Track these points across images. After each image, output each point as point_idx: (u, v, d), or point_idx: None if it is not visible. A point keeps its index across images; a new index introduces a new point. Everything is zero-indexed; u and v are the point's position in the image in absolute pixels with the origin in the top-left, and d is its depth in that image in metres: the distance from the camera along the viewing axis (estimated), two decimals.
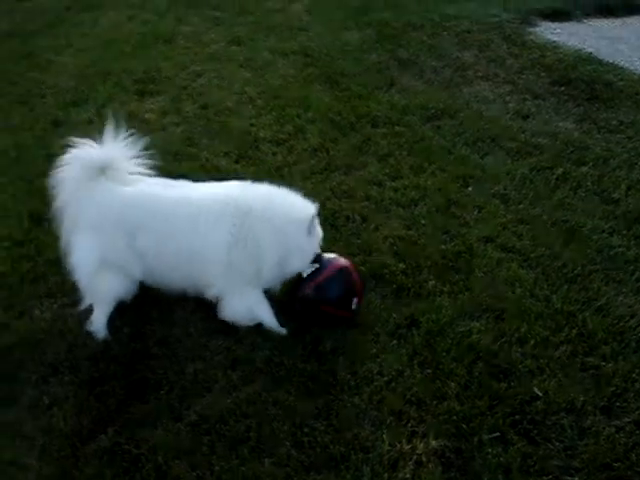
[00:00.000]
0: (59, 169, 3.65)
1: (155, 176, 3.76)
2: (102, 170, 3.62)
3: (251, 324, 3.81)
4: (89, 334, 3.80)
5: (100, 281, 3.70)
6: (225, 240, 3.58)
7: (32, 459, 3.17)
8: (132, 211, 3.62)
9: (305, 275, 3.80)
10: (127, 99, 6.88)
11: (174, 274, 3.71)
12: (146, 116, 6.43)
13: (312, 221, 3.70)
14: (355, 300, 3.80)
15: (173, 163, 5.25)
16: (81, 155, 3.62)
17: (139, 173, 3.71)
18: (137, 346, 3.76)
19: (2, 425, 3.34)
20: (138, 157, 3.70)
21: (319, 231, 3.87)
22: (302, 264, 3.78)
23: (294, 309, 3.90)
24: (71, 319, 3.94)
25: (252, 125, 6.27)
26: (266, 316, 3.82)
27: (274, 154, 5.74)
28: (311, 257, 3.79)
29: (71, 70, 7.78)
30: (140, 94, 6.97)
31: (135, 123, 6.16)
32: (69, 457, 3.17)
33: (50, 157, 5.62)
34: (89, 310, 3.83)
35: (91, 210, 3.62)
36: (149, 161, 3.72)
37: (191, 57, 7.98)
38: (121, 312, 3.86)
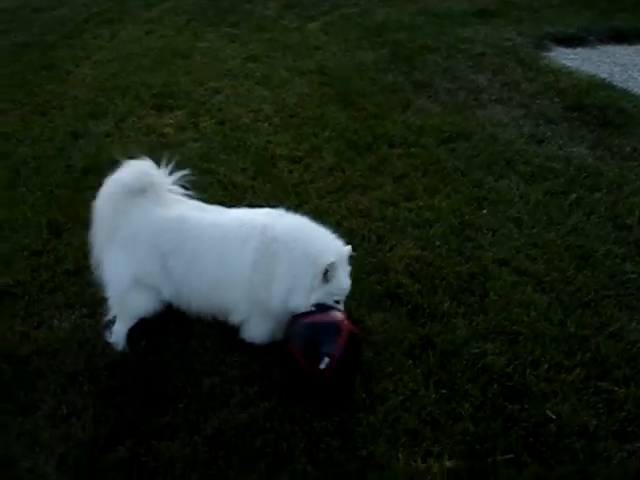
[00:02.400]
0: (102, 186, 3.70)
1: (191, 198, 3.85)
2: (143, 191, 3.67)
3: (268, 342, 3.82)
4: (107, 345, 3.85)
5: (130, 298, 3.77)
6: (248, 264, 3.58)
7: (50, 468, 3.20)
8: (166, 234, 3.67)
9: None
10: (145, 113, 6.97)
11: (201, 296, 3.73)
12: (164, 131, 6.51)
13: (330, 269, 3.52)
14: (327, 360, 3.36)
15: (190, 178, 5.27)
16: (123, 175, 3.67)
17: (178, 194, 3.81)
18: (155, 358, 3.80)
19: (21, 433, 3.38)
20: (177, 180, 3.81)
21: (341, 282, 3.64)
22: (301, 305, 3.57)
23: None
24: (89, 329, 4.00)
25: (269, 142, 6.33)
26: None
27: (290, 172, 5.80)
28: (314, 302, 3.56)
29: (90, 82, 7.89)
30: (158, 108, 7.06)
31: (153, 137, 6.29)
32: (87, 467, 3.21)
33: (69, 168, 5.78)
34: (108, 321, 3.89)
35: (128, 229, 3.68)
36: (187, 183, 3.83)
37: (208, 73, 8.06)
38: (139, 324, 3.90)
